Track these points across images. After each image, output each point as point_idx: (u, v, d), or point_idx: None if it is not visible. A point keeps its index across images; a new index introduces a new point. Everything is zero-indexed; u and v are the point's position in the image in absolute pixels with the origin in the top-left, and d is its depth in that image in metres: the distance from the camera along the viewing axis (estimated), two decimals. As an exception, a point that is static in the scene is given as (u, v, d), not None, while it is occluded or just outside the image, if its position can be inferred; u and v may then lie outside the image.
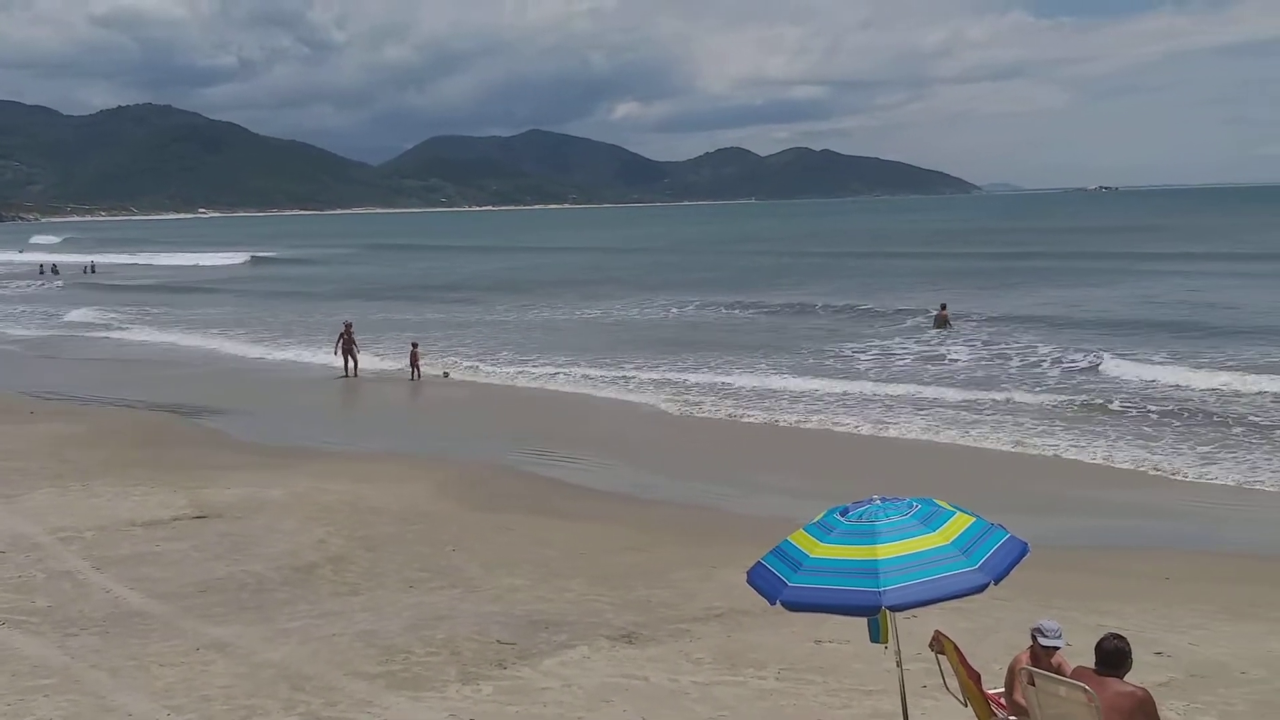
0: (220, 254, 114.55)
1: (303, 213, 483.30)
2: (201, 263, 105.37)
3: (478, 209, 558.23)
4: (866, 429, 24.72)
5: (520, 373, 34.46)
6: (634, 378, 32.46)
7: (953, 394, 28.03)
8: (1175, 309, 44.85)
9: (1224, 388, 26.99)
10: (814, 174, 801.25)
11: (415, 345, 34.92)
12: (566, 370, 34.35)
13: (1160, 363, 30.96)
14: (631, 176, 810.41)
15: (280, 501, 18.46)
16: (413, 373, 34.09)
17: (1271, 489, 18.71)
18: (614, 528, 17.00)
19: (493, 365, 36.19)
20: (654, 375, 32.80)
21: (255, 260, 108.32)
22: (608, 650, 11.67)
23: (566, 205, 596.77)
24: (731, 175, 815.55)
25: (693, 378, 31.97)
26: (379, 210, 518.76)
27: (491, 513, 18.01)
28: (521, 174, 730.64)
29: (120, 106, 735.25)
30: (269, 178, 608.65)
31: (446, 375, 34.53)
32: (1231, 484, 19.15)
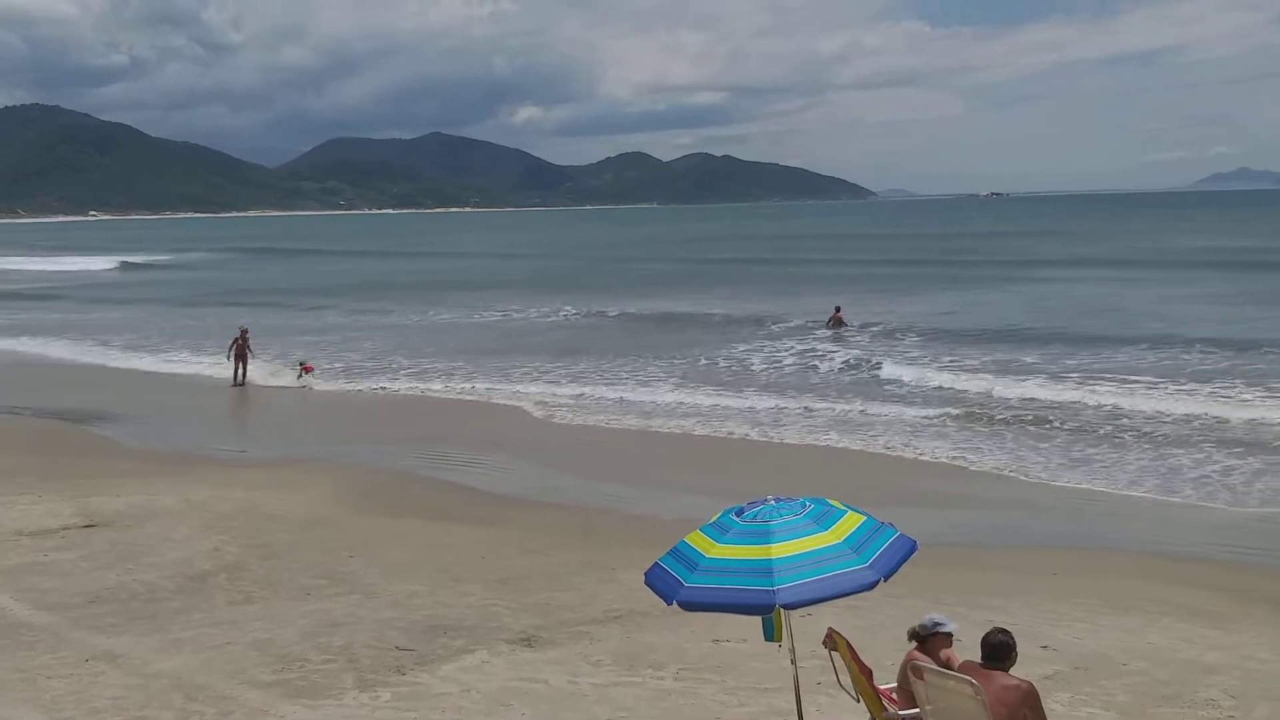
0: (88, 258, 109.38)
1: (197, 215, 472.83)
2: (67, 268, 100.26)
3: (377, 212, 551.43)
4: (755, 431, 24.94)
5: (415, 377, 34.16)
6: (531, 382, 32.48)
7: (831, 396, 28.65)
8: (1052, 315, 45.78)
9: (1074, 399, 27.18)
10: (715, 179, 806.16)
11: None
12: (463, 374, 34.18)
13: (990, 373, 31.35)
14: (534, 180, 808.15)
15: (173, 509, 18.09)
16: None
17: (1138, 492, 19.22)
18: (514, 531, 16.96)
19: (385, 370, 35.72)
20: (551, 380, 32.84)
21: (125, 266, 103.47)
22: (507, 654, 11.66)
23: (468, 209, 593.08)
24: (633, 180, 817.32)
25: (591, 384, 31.93)
26: (276, 213, 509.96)
27: (390, 518, 17.87)
28: (422, 177, 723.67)
29: (7, 107, 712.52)
30: (162, 180, 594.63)
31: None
32: (1096, 486, 19.62)
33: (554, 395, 30.17)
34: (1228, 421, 23.90)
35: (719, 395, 29.26)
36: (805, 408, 27.18)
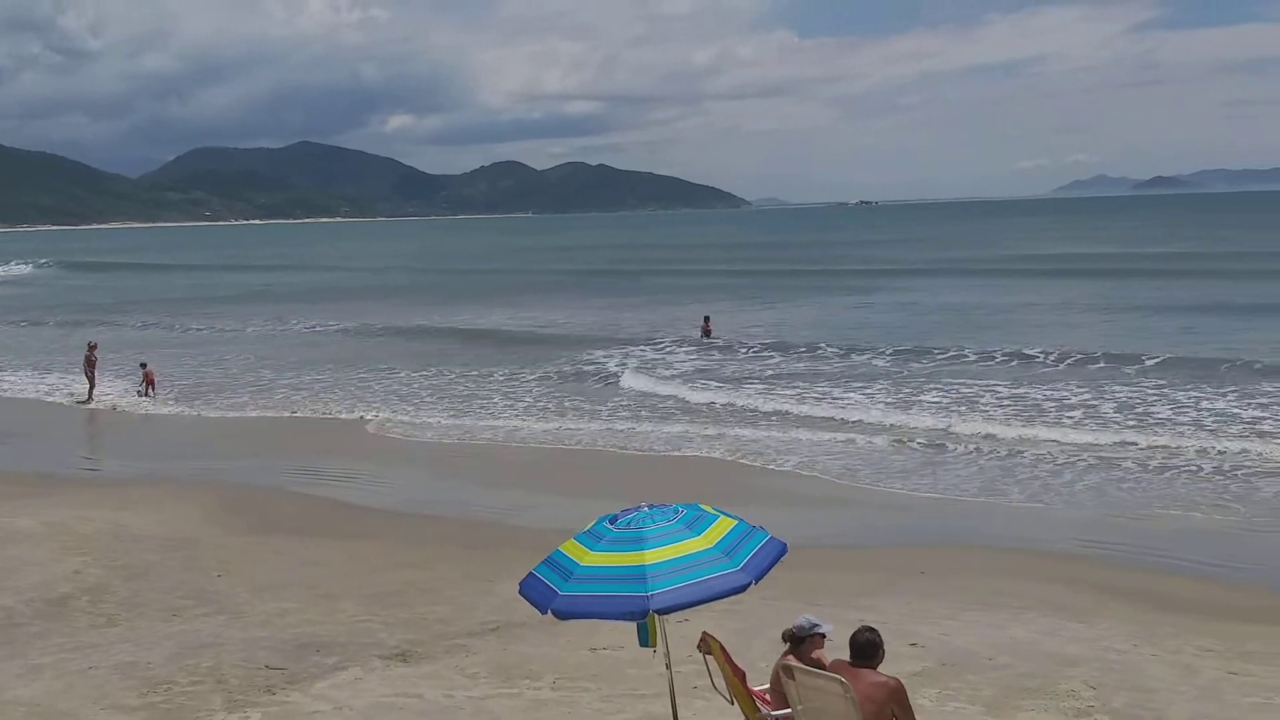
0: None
1: (54, 228, 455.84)
2: None
3: (244, 222, 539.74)
4: (619, 441, 25.09)
5: (270, 392, 33.64)
6: (393, 394, 32.44)
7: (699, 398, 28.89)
8: (908, 322, 46.98)
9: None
10: (590, 188, 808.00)
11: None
12: (322, 387, 34.01)
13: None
14: (407, 189, 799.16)
15: (31, 531, 17.45)
16: (146, 390, 32.82)
17: (994, 499, 19.88)
18: (389, 545, 16.76)
19: (238, 386, 35.06)
20: (411, 391, 32.85)
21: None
22: (381, 670, 11.51)
23: (339, 219, 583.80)
24: (508, 189, 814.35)
25: (452, 397, 31.87)
26: (138, 225, 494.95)
27: (260, 535, 17.51)
28: (291, 186, 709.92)
29: None
30: (16, 191, 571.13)
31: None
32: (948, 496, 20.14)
33: (415, 409, 30.04)
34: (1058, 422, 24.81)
35: (579, 406, 29.43)
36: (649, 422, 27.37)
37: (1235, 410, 25.15)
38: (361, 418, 28.83)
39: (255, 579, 14.91)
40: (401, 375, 35.75)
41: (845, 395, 29.38)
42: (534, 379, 34.37)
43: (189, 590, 14.45)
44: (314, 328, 52.14)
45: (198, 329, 52.94)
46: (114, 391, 33.72)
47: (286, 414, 30.15)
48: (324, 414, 29.91)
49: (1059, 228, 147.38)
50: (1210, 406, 25.56)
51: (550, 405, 29.88)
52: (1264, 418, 24.29)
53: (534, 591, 7.89)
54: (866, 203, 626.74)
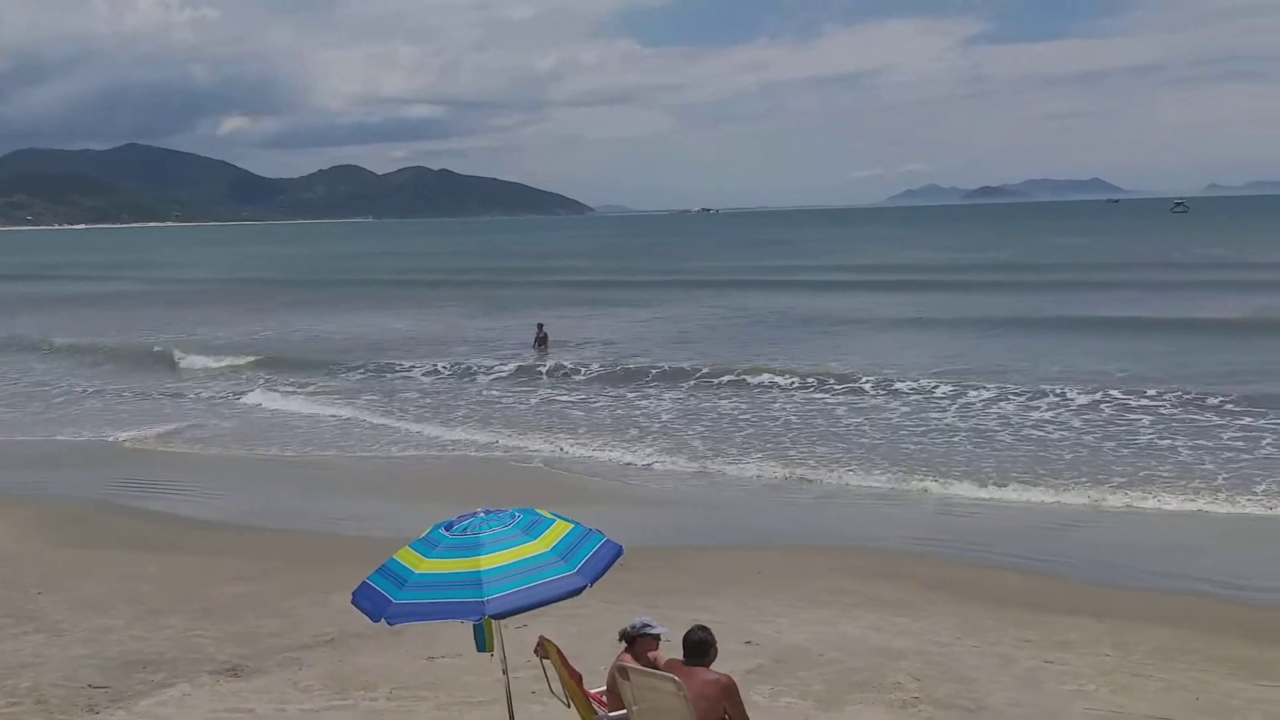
0: None
1: None
2: None
3: (69, 227, 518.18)
4: (449, 451, 25.04)
5: (101, 400, 32.72)
6: (224, 400, 31.91)
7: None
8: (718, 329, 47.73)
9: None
10: (432, 193, 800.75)
11: None
12: (148, 396, 33.24)
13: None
14: (242, 193, 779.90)
15: None
16: None
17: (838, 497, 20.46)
18: (220, 559, 16.33)
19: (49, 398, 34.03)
20: (243, 399, 32.34)
21: None
22: (210, 685, 11.22)
23: (170, 223, 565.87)
24: (347, 193, 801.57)
25: (287, 403, 31.39)
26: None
27: (85, 550, 16.87)
28: (119, 190, 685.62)
29: None
30: None
31: None
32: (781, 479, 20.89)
33: (253, 417, 29.56)
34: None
35: (412, 413, 29.30)
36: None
37: (1046, 418, 26.18)
38: (218, 423, 28.28)
39: (77, 595, 14.38)
40: (263, 381, 35.12)
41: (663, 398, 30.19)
42: (359, 386, 34.02)
43: (5, 608, 13.85)
44: (221, 333, 49.99)
45: None
46: None
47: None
48: (182, 421, 29.07)
49: (890, 237, 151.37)
50: (1036, 417, 26.50)
51: (384, 413, 29.55)
52: (1048, 420, 25.36)
53: (367, 601, 7.81)
54: (708, 210, 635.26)
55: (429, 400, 31.60)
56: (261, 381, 35.24)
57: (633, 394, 31.10)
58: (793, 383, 30.81)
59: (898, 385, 29.81)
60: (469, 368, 36.53)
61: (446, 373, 36.03)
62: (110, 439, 27.12)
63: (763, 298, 59.73)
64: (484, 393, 32.52)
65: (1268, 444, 22.01)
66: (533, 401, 30.72)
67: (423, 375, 35.70)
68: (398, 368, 37.25)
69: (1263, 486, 18.81)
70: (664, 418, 27.62)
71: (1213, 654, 11.79)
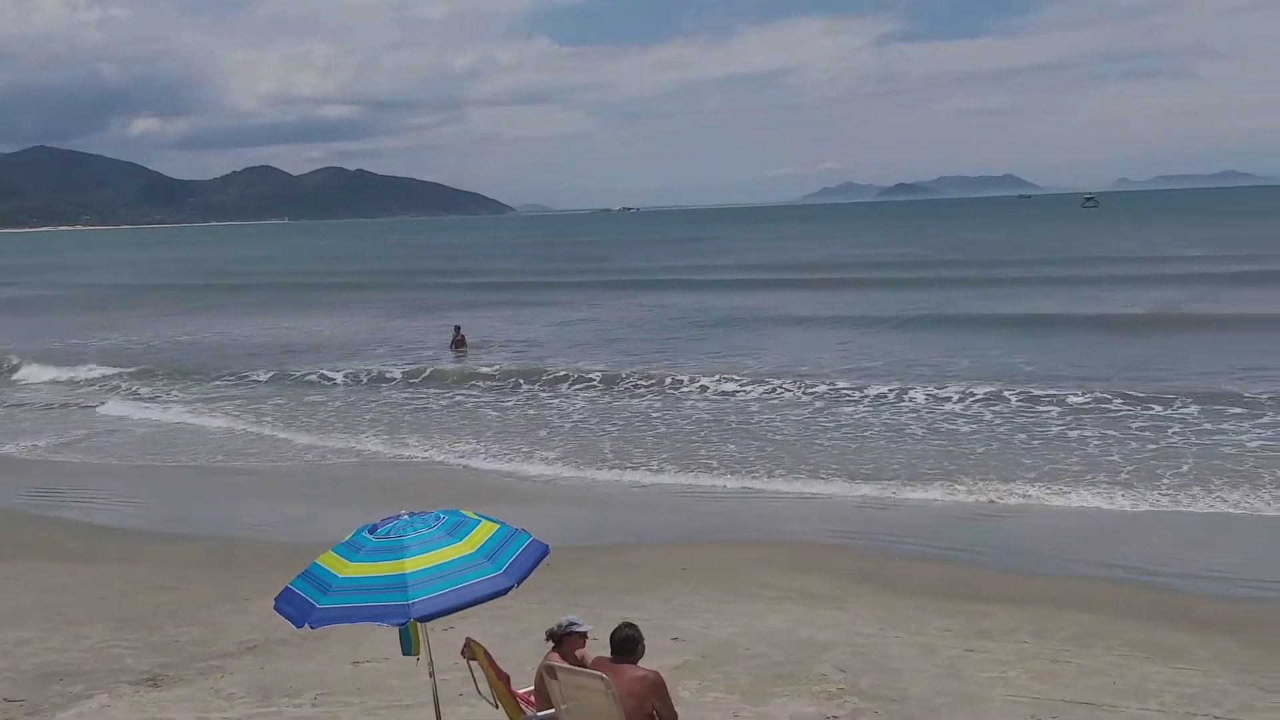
0: None
1: None
2: None
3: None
4: (363, 456, 24.80)
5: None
6: (128, 404, 31.49)
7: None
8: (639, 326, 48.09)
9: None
10: (349, 194, 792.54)
11: None
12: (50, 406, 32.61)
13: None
14: (154, 196, 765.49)
15: None
16: None
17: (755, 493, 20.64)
18: (139, 568, 16.04)
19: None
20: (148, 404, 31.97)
21: None
22: (130, 696, 11.01)
23: (79, 227, 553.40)
24: (262, 194, 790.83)
25: (198, 411, 30.94)
26: None
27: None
28: (25, 193, 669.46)
29: None
30: None
31: None
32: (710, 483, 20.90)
33: (156, 420, 29.30)
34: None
35: (330, 421, 28.82)
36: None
37: (959, 412, 26.59)
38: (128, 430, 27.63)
39: (-10, 609, 14.03)
40: (158, 388, 34.56)
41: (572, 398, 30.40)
42: (264, 393, 33.58)
43: (-86, 625, 13.47)
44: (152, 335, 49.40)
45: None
46: None
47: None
48: (91, 428, 28.37)
49: (808, 234, 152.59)
50: (948, 410, 26.89)
51: (288, 419, 29.18)
52: (960, 414, 25.84)
53: (290, 606, 7.71)
54: (629, 209, 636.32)
55: (338, 404, 31.24)
56: (174, 394, 34.45)
57: (546, 394, 31.10)
58: (710, 381, 30.85)
59: (812, 382, 30.07)
60: (383, 371, 36.00)
61: (360, 376, 35.40)
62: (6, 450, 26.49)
63: (683, 296, 59.86)
64: (398, 396, 32.20)
65: (1173, 434, 22.56)
66: (443, 404, 30.49)
67: (337, 378, 35.11)
68: (303, 373, 36.49)
69: (1166, 480, 19.24)
70: (576, 417, 27.67)
71: (1128, 639, 12.08)
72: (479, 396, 31.31)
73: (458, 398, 31.38)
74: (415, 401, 31.21)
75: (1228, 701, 10.23)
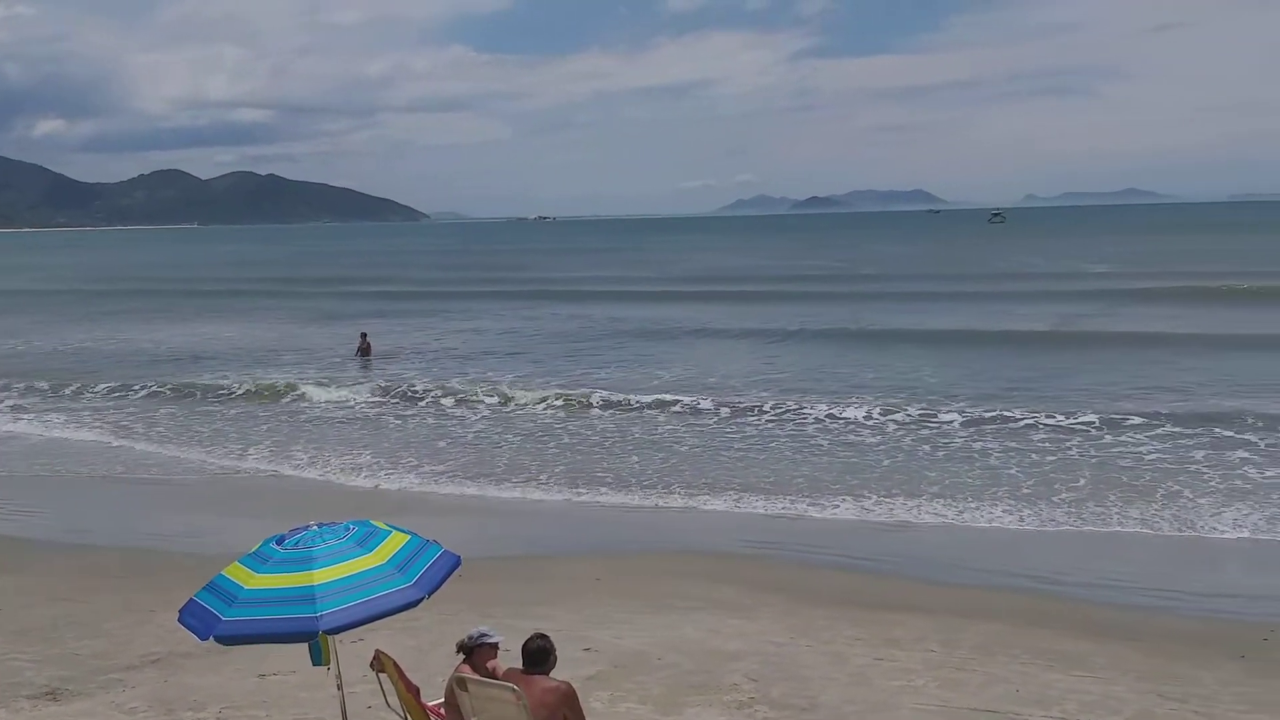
0: None
1: None
2: None
3: None
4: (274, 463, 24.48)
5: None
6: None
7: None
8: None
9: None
10: (260, 198, 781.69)
11: None
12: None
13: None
14: (59, 199, 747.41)
15: None
16: None
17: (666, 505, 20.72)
18: (36, 579, 15.62)
19: None
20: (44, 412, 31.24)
21: None
22: (28, 711, 10.72)
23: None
24: (171, 198, 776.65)
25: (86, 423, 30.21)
26: None
27: (-114, 575, 15.91)
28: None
29: None
30: None
31: None
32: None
33: (42, 432, 28.59)
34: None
35: (225, 430, 28.38)
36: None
37: (864, 425, 26.94)
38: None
39: (-122, 623, 13.56)
40: (59, 395, 33.74)
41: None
42: (167, 400, 33.04)
43: None
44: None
45: None
46: None
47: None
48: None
49: (722, 246, 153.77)
50: (854, 423, 27.21)
51: (195, 430, 28.52)
52: (865, 427, 26.22)
53: (195, 619, 7.59)
54: (545, 218, 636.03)
55: (235, 413, 30.65)
56: (68, 403, 33.69)
57: (450, 404, 30.67)
58: (617, 395, 30.66)
59: (720, 394, 30.18)
60: (286, 380, 35.35)
61: (261, 386, 34.56)
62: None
63: (596, 307, 59.60)
64: (300, 405, 31.56)
65: (1072, 449, 23.01)
66: (342, 414, 30.05)
67: (237, 388, 34.18)
68: (204, 381, 35.73)
69: (1065, 494, 19.60)
70: (479, 428, 27.42)
71: (1032, 647, 12.32)
72: (381, 406, 30.87)
73: (359, 408, 30.88)
74: (313, 411, 30.66)
75: (1126, 709, 10.49)
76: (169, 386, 35.04)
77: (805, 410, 27.69)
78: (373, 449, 25.39)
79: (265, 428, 28.50)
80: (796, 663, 11.74)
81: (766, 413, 27.66)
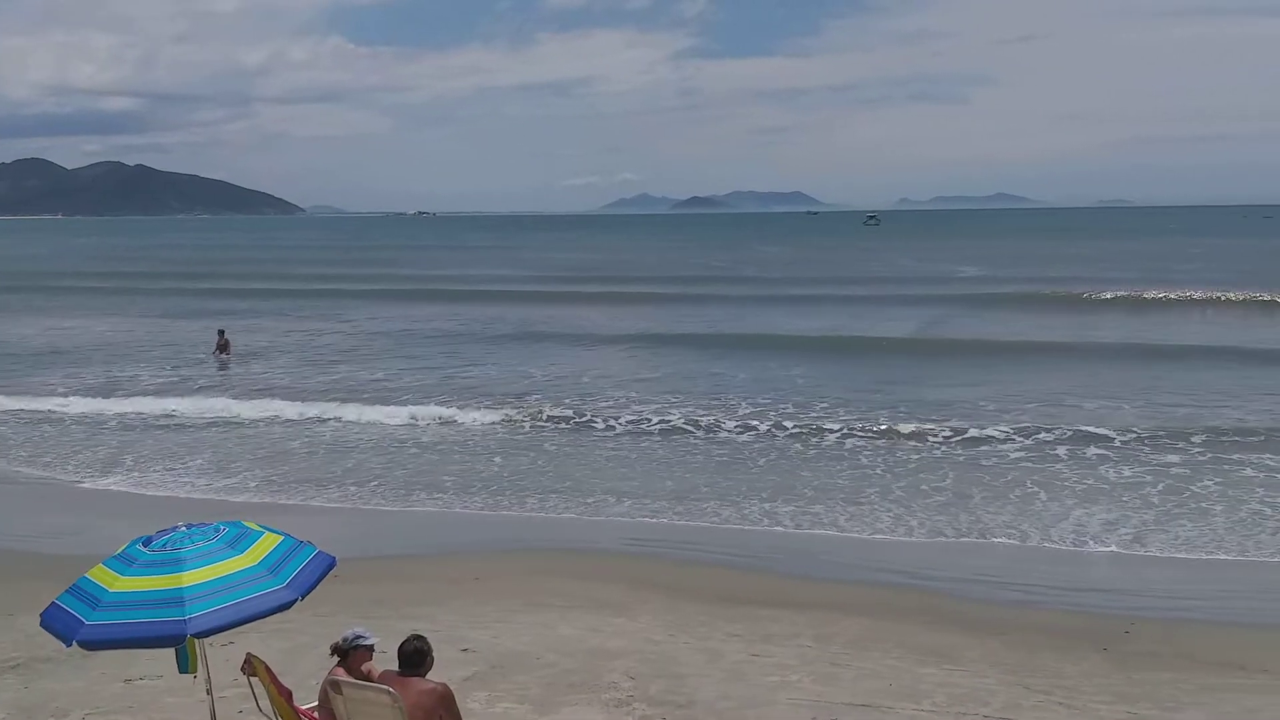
0: None
1: None
2: None
3: None
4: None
5: None
6: None
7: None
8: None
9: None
10: (129, 189, 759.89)
11: None
12: None
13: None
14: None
15: None
16: None
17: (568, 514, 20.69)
18: (-115, 584, 14.93)
19: None
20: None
21: None
22: (-125, 722, 10.26)
23: None
24: (35, 188, 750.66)
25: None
26: None
27: None
28: None
29: None
30: None
31: None
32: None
33: None
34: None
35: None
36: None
37: (734, 428, 27.26)
38: None
39: None
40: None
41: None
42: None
43: None
44: None
45: None
46: None
47: None
48: None
49: (602, 244, 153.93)
50: (728, 426, 27.51)
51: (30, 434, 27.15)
52: (738, 429, 26.56)
53: (57, 623, 7.35)
54: (424, 213, 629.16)
55: (80, 410, 29.49)
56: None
57: (314, 409, 29.20)
58: (489, 399, 30.20)
59: (596, 400, 29.95)
60: (133, 377, 34.41)
61: (111, 386, 33.26)
62: None
63: (473, 307, 58.66)
64: (150, 405, 30.16)
65: (939, 452, 23.45)
66: (196, 412, 29.04)
67: (78, 387, 32.96)
68: (46, 381, 34.44)
69: (932, 494, 20.01)
70: (331, 434, 26.50)
71: (904, 642, 12.61)
72: (237, 407, 29.47)
73: (217, 408, 29.61)
74: (153, 415, 29.22)
75: (995, 701, 10.79)
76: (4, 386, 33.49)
77: (675, 411, 27.73)
78: (212, 451, 24.58)
79: (113, 425, 27.58)
80: (674, 660, 11.83)
81: (643, 418, 27.22)
